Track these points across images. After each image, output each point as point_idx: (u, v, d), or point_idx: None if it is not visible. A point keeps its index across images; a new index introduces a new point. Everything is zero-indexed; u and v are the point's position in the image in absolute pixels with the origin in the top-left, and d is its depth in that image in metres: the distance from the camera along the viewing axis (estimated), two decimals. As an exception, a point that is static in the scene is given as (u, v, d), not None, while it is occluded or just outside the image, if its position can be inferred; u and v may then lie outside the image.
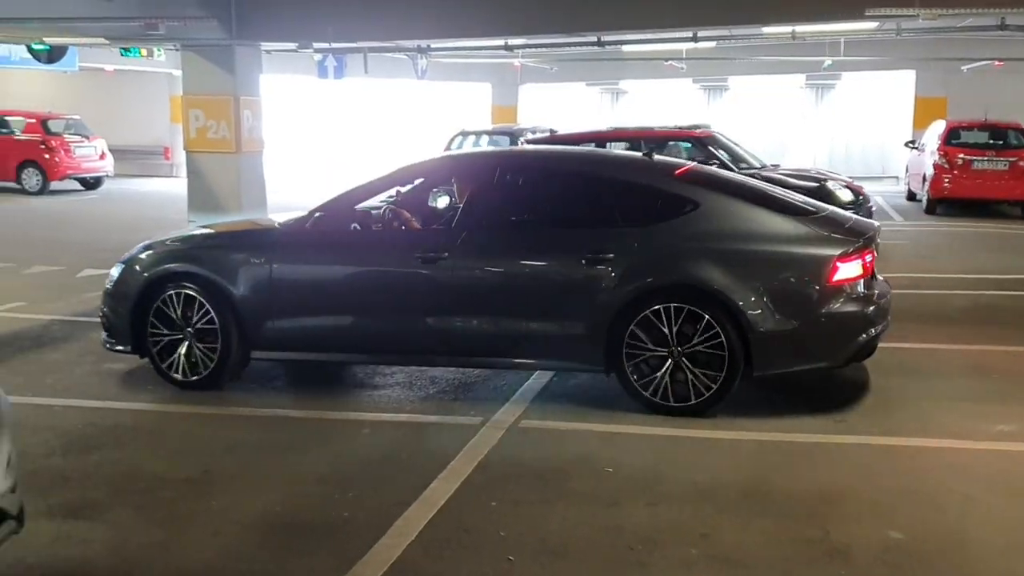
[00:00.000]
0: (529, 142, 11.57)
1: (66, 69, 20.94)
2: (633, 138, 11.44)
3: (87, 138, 20.68)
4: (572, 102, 29.25)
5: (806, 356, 5.58)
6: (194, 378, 6.15)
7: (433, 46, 15.03)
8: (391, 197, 6.89)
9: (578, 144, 11.10)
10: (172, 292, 6.09)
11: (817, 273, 5.48)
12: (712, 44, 15.98)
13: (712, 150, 11.40)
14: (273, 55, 20.31)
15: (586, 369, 5.90)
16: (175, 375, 6.19)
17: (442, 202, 6.86)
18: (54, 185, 19.94)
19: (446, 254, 5.79)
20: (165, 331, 6.14)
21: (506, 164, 6.42)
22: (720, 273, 5.46)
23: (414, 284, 5.87)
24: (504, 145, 17.97)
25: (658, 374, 5.52)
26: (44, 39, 10.60)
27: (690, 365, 5.48)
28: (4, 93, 24.90)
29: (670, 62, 19.50)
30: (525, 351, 5.82)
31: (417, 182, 6.77)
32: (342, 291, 6.06)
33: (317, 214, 6.09)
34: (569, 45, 15.21)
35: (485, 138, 19.07)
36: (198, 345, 6.09)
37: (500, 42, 14.04)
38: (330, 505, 4.40)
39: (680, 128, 12.43)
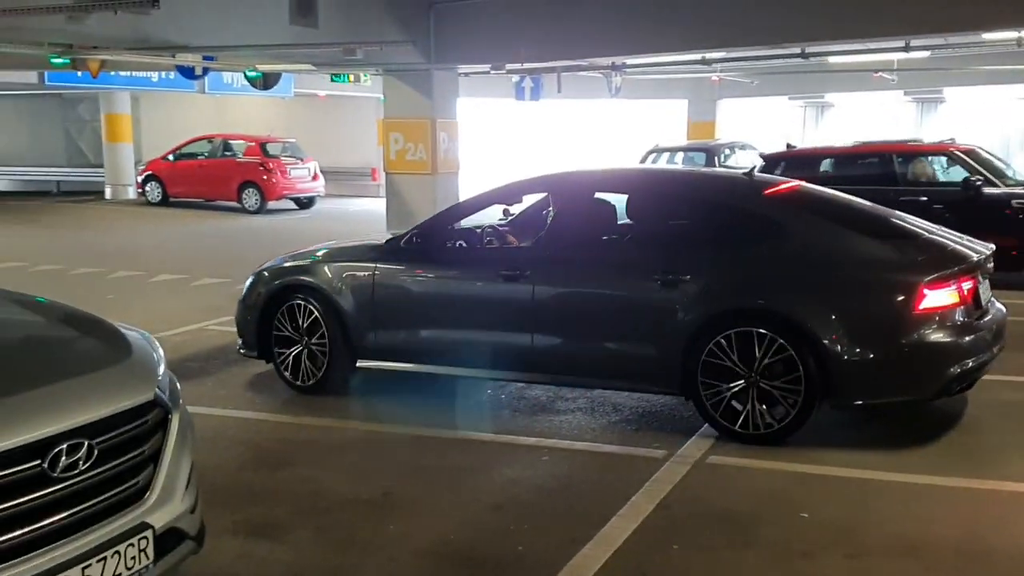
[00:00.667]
0: (764, 158, 10.74)
1: (283, 95, 22.29)
2: (882, 153, 10.73)
3: (301, 160, 21.84)
4: (772, 117, 28.27)
5: (890, 388, 5.31)
6: (309, 383, 6.58)
7: (627, 63, 14.85)
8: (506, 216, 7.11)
9: (818, 159, 10.84)
10: (292, 303, 6.58)
11: (902, 300, 5.21)
12: (926, 54, 14.98)
13: (973, 165, 10.48)
14: (471, 79, 20.79)
15: (664, 392, 5.87)
16: (291, 378, 6.63)
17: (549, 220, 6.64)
18: (271, 204, 21.18)
19: (528, 272, 5.85)
20: (285, 339, 6.63)
21: (596, 183, 6.48)
22: (797, 298, 5.32)
23: (497, 300, 6.00)
24: (699, 162, 17.60)
25: (734, 400, 5.37)
26: (256, 66, 11.23)
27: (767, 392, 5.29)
28: (230, 119, 26.73)
29: (879, 73, 18.43)
30: (604, 371, 5.85)
31: (524, 200, 6.90)
32: (432, 305, 6.29)
33: (415, 232, 6.40)
34: (770, 58, 14.64)
35: (680, 155, 18.69)
36: (310, 352, 6.49)
37: (697, 57, 13.68)
38: (504, 537, 4.30)
39: (939, 143, 11.31)
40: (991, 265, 5.72)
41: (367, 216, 19.20)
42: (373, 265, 6.40)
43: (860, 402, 5.38)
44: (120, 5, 4.92)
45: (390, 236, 6.79)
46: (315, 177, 21.81)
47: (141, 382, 3.16)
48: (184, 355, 8.24)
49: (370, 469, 5.27)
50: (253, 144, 21.56)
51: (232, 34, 7.81)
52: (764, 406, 5.31)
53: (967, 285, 5.34)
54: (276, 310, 6.61)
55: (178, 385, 3.50)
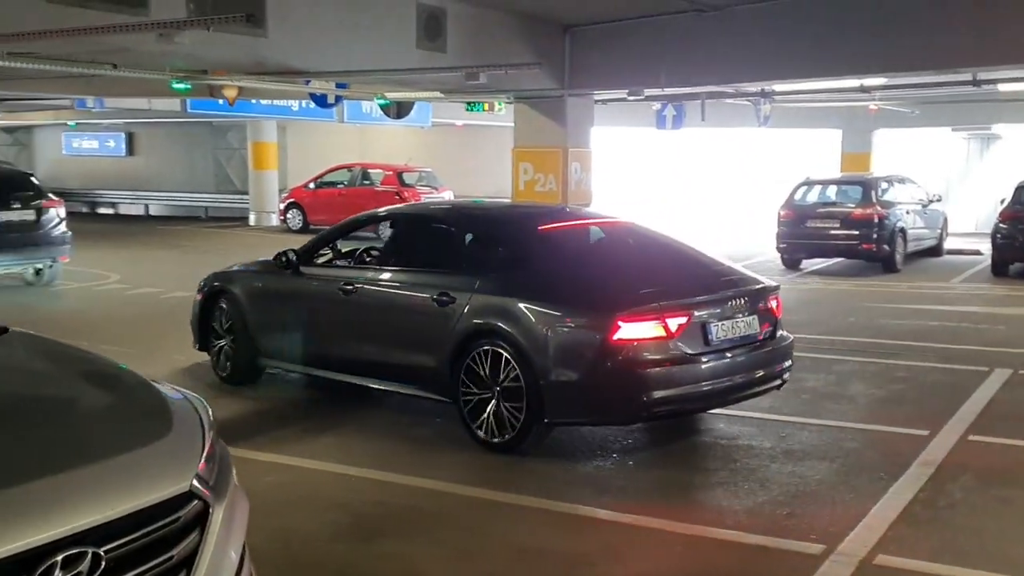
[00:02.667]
0: None
1: (421, 125, 22.21)
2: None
3: (436, 189, 21.67)
4: (931, 149, 26.46)
5: (588, 410, 5.88)
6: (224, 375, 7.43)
7: (777, 89, 13.89)
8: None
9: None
10: (218, 304, 7.64)
11: (599, 330, 5.64)
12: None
13: None
14: (609, 106, 20.13)
15: (441, 399, 6.42)
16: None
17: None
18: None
19: (355, 288, 6.88)
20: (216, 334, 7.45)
21: (400, 216, 7.86)
22: (516, 322, 5.88)
23: (336, 311, 7.02)
24: (855, 196, 16.38)
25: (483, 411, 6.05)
26: (385, 94, 10.90)
27: (505, 404, 5.91)
28: (372, 148, 26.97)
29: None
30: (403, 377, 6.63)
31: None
32: (292, 312, 7.38)
33: (294, 250, 7.37)
34: (937, 85, 13.42)
35: (833, 188, 17.48)
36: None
37: (855, 83, 12.61)
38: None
39: None
40: (747, 302, 6.13)
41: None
42: (261, 276, 7.65)
43: (565, 422, 6.04)
44: (213, 22, 4.51)
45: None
46: (450, 206, 21.59)
47: (176, 468, 2.59)
48: (289, 396, 7.84)
49: (474, 550, 4.61)
50: (390, 173, 21.54)
51: (353, 59, 7.41)
52: (498, 418, 5.97)
53: (677, 321, 5.69)
54: (211, 309, 7.85)
55: (230, 462, 2.94)
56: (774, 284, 6.70)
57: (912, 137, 25.66)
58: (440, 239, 7.01)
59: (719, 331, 5.97)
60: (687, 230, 23.40)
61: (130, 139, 29.70)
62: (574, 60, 10.35)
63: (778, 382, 6.57)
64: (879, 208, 15.87)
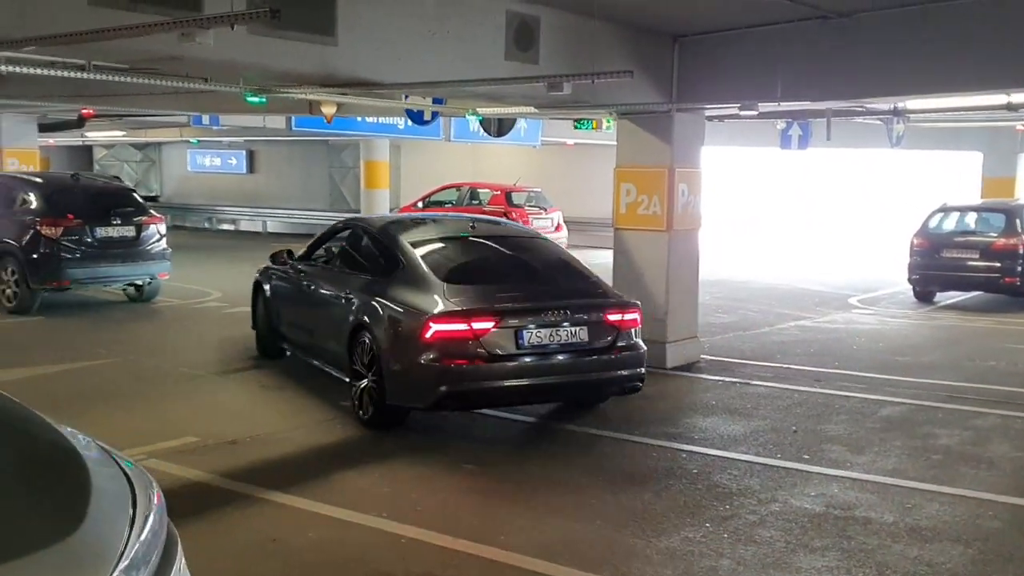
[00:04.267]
0: None
1: (530, 144, 21.65)
2: None
3: (544, 210, 21.05)
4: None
5: (408, 396, 6.89)
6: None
7: (911, 107, 12.69)
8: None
9: None
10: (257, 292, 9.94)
11: (417, 329, 6.67)
12: None
13: None
14: (728, 126, 19.06)
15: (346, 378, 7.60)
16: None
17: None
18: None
19: (313, 286, 8.57)
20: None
21: (349, 225, 8.95)
22: (376, 318, 7.13)
23: (304, 305, 8.86)
24: (997, 224, 14.93)
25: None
26: (477, 110, 10.33)
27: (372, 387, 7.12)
28: (483, 167, 26.61)
29: None
30: (332, 362, 8.03)
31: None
32: (284, 305, 9.32)
33: (293, 253, 9.38)
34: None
35: (972, 215, 16.02)
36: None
37: (1001, 100, 11.33)
38: None
39: None
40: (575, 313, 6.96)
41: (607, 270, 17.89)
42: (275, 270, 9.42)
43: (399, 404, 7.00)
44: (237, 18, 3.98)
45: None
46: (558, 228, 20.88)
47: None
48: (348, 434, 7.27)
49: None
50: (498, 193, 21.02)
51: (433, 70, 6.83)
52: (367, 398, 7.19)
53: (483, 325, 6.62)
54: (256, 296, 9.76)
55: (178, 547, 2.31)
56: (622, 301, 7.46)
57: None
58: (358, 246, 8.40)
59: (532, 337, 6.80)
60: (802, 256, 22.24)
61: (251, 157, 30.23)
62: (682, 72, 9.53)
63: (617, 389, 7.51)
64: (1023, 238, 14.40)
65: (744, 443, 7.14)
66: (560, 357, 6.91)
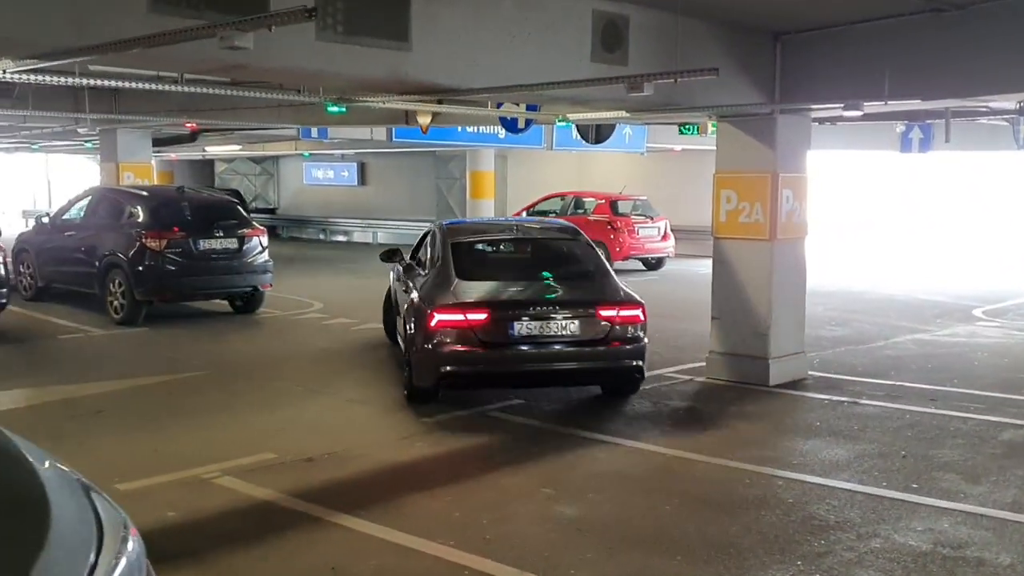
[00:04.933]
0: None
1: (636, 151, 21.19)
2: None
3: (651, 219, 20.55)
4: None
5: (421, 376, 7.92)
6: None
7: (1043, 106, 11.78)
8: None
9: None
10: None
11: (427, 318, 7.70)
12: None
13: None
14: (841, 128, 18.21)
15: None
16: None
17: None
18: (618, 265, 19.96)
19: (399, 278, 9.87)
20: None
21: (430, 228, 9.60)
22: (407, 311, 8.77)
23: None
24: None
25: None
26: (567, 115, 10.01)
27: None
28: (590, 176, 26.25)
29: None
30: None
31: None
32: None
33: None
34: None
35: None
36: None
37: None
38: None
39: None
40: (569, 309, 7.77)
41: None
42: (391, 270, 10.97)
43: (420, 386, 7.99)
44: (274, 19, 3.80)
45: None
46: (665, 237, 20.36)
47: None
48: (444, 450, 7.04)
49: None
50: (603, 202, 20.62)
51: (512, 74, 6.57)
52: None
53: (477, 316, 7.57)
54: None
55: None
56: (616, 299, 8.05)
57: None
58: (430, 247, 8.95)
59: (523, 328, 7.67)
60: (922, 264, 20.91)
61: (362, 169, 30.65)
62: (785, 72, 9.00)
63: (611, 379, 8.36)
64: None
65: (847, 469, 6.61)
66: (551, 347, 7.76)
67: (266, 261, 13.23)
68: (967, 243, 23.31)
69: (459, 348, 7.58)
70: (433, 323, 7.59)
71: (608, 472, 6.63)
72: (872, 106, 8.12)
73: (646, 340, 8.08)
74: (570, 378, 8.26)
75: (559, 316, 7.74)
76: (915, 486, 6.22)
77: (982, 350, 11.28)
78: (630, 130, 18.63)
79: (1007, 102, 11.57)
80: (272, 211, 33.12)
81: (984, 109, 12.14)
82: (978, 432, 7.56)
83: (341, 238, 29.99)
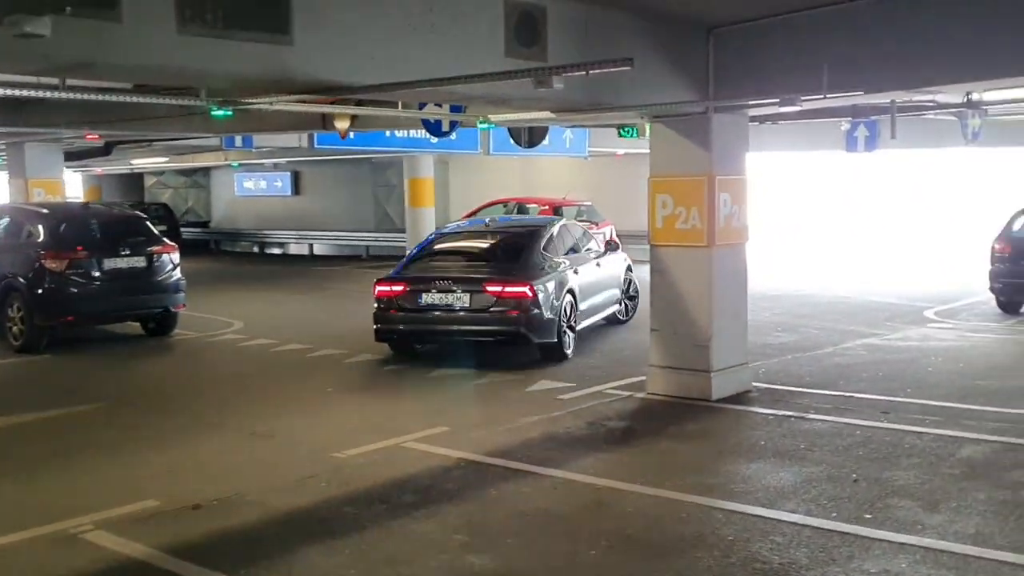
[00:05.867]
0: None
1: (579, 155, 20.59)
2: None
3: (596, 224, 19.91)
4: None
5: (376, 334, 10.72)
6: None
7: (987, 98, 11.34)
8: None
9: None
10: None
11: (375, 290, 10.61)
12: None
13: None
14: (783, 127, 17.75)
15: None
16: None
17: None
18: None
19: None
20: None
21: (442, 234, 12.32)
22: None
23: None
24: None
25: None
26: (489, 118, 9.34)
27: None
28: (536, 181, 25.63)
29: None
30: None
31: None
32: None
33: None
34: None
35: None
36: None
37: (1092, 86, 9.96)
38: None
39: None
40: (462, 285, 10.21)
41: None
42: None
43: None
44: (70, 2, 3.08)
45: None
46: (609, 242, 19.73)
47: None
48: (349, 491, 6.31)
49: None
50: (546, 207, 19.98)
51: (413, 69, 5.88)
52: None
53: (398, 288, 10.40)
54: None
55: None
56: (504, 279, 10.18)
57: None
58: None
59: (428, 299, 10.19)
60: (873, 265, 20.54)
61: (296, 178, 29.68)
62: (719, 67, 8.40)
63: (493, 340, 10.39)
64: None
65: (794, 497, 6.00)
66: (446, 313, 10.21)
67: (178, 280, 12.37)
68: (918, 242, 23.07)
69: (387, 311, 10.40)
70: (376, 291, 10.50)
71: (532, 510, 5.94)
72: (810, 101, 7.52)
73: (538, 312, 10.09)
74: (461, 336, 10.43)
75: (458, 291, 10.13)
76: (868, 516, 5.63)
77: (935, 355, 10.80)
78: (570, 133, 18.02)
79: (954, 96, 11.14)
80: (205, 225, 32.07)
81: (931, 104, 11.69)
82: (935, 449, 7.00)
83: (276, 251, 29.06)
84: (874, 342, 11.77)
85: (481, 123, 9.79)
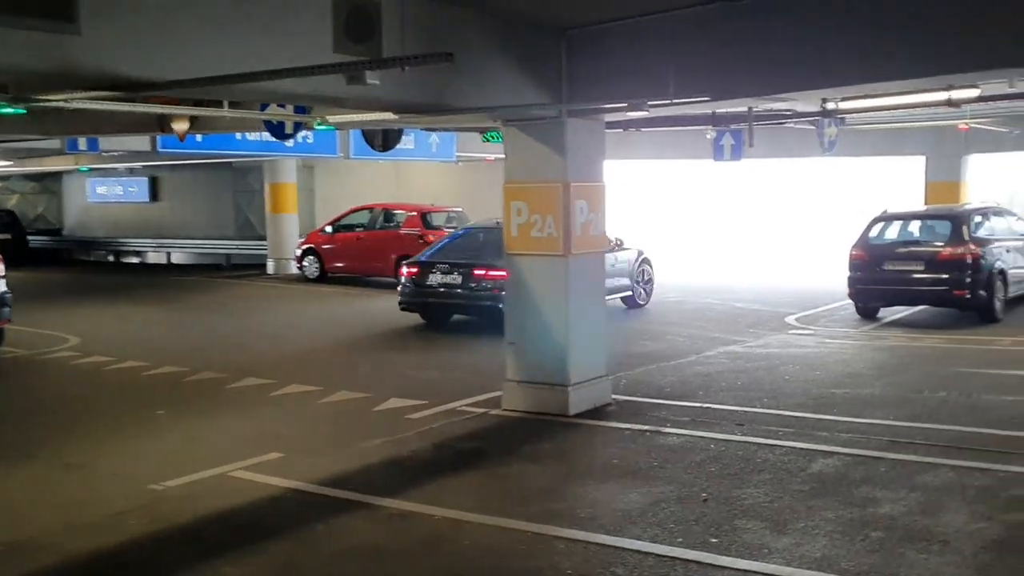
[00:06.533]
0: None
1: (448, 160, 20.18)
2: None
3: (465, 231, 19.53)
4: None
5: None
6: None
7: (843, 107, 11.41)
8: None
9: None
10: None
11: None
12: None
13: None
14: (655, 136, 17.79)
15: None
16: None
17: None
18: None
19: None
20: None
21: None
22: None
23: None
24: (943, 232, 13.73)
25: None
26: (327, 119, 8.81)
27: None
28: (410, 187, 25.10)
29: None
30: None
31: None
32: None
33: None
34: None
35: (916, 223, 14.82)
36: None
37: (942, 97, 10.07)
38: None
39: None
40: (459, 269, 13.30)
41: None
42: None
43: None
44: None
45: None
46: (481, 250, 19.37)
47: None
48: (160, 529, 5.68)
49: None
50: (414, 214, 19.44)
51: (220, 63, 5.31)
52: None
53: (414, 270, 13.61)
54: None
55: None
56: (486, 264, 12.92)
57: (1008, 163, 22.68)
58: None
59: (433, 278, 13.37)
60: (741, 272, 20.75)
61: (153, 184, 28.25)
62: (572, 69, 8.10)
63: (477, 310, 13.33)
64: (973, 247, 13.21)
65: (640, 521, 5.68)
66: (446, 289, 13.32)
67: (3, 293, 11.35)
68: (787, 250, 23.51)
69: (407, 287, 13.67)
70: (402, 272, 13.97)
71: (361, 548, 5.45)
72: (660, 107, 7.25)
73: None
74: (456, 308, 13.62)
75: (454, 273, 13.22)
76: (714, 540, 5.35)
77: (793, 362, 10.77)
78: (436, 138, 17.60)
79: (811, 105, 11.16)
80: (57, 233, 30.29)
81: (788, 112, 11.72)
82: (785, 464, 6.82)
83: (133, 260, 27.61)
84: (736, 350, 11.71)
85: (318, 125, 9.23)
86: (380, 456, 7.29)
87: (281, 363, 11.25)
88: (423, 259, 13.78)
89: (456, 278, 13.12)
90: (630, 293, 15.50)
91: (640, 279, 15.74)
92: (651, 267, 16.06)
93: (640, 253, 15.70)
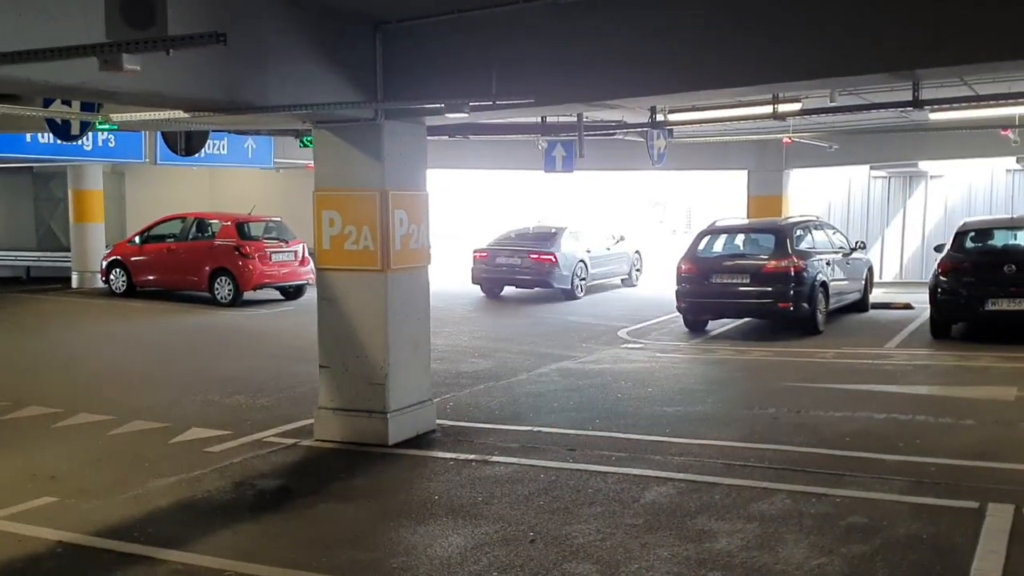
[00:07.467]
0: None
1: (266, 167, 19.08)
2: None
3: (286, 242, 18.45)
4: (845, 190, 24.45)
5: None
6: None
7: (672, 119, 11.27)
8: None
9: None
10: None
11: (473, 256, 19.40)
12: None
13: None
14: (490, 146, 17.35)
15: None
16: None
17: None
18: (248, 295, 17.71)
19: None
20: None
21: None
22: None
23: None
24: (767, 245, 13.87)
25: None
26: (111, 118, 7.84)
27: None
28: (227, 195, 23.73)
29: (1007, 131, 14.41)
30: None
31: None
32: None
33: None
34: (863, 108, 11.00)
35: (741, 236, 14.96)
36: None
37: (766, 110, 10.01)
38: None
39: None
40: (520, 254, 18.48)
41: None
42: None
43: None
44: None
45: None
46: (303, 262, 18.33)
47: None
48: None
49: None
50: (229, 224, 18.16)
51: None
52: None
53: (484, 255, 18.92)
54: None
55: None
56: (542, 251, 18.19)
57: (825, 177, 23.59)
58: None
59: (499, 260, 18.68)
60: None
61: (-58, 189, 25.63)
62: (388, 66, 7.45)
63: (535, 287, 18.72)
64: (795, 260, 13.35)
65: (460, 570, 5.06)
66: (509, 269, 18.43)
67: None
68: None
69: (485, 270, 18.70)
70: (475, 255, 18.93)
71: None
72: (483, 109, 6.69)
73: (559, 271, 18.35)
74: (518, 284, 18.74)
75: (516, 258, 18.32)
76: (541, 591, 4.79)
77: (626, 379, 10.45)
78: (253, 142, 16.54)
79: (640, 116, 10.92)
80: None
81: (617, 123, 11.46)
82: (618, 494, 6.36)
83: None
84: (568, 366, 11.33)
85: (100, 124, 8.20)
86: (170, 498, 6.40)
87: (72, 388, 10.06)
88: (489, 247, 19.25)
89: (519, 261, 18.37)
90: (627, 276, 21.31)
91: (636, 267, 21.72)
92: (641, 258, 21.96)
93: (636, 249, 21.74)
